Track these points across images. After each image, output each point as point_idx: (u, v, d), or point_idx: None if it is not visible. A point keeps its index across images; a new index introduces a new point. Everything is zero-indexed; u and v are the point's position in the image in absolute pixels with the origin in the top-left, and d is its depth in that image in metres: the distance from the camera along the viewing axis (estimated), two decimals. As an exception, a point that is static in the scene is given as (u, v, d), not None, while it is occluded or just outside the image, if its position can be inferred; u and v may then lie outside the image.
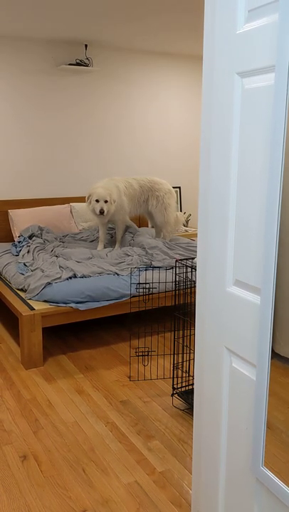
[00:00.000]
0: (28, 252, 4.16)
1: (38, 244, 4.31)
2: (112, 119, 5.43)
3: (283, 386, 1.27)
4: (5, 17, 3.93)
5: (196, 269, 2.04)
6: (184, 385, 2.96)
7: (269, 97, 1.22)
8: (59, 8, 3.67)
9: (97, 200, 4.12)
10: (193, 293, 3.36)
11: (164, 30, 4.42)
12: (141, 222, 5.66)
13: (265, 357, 1.27)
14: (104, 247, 4.43)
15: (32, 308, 3.30)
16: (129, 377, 3.20)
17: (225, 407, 1.54)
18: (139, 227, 5.46)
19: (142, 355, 3.49)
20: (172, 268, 3.86)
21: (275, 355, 1.27)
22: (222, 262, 1.46)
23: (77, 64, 4.97)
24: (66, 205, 5.13)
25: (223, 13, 1.34)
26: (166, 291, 3.69)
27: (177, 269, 3.14)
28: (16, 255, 4.23)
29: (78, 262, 3.86)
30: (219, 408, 1.56)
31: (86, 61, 5.07)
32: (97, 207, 4.12)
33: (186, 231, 5.68)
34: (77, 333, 3.92)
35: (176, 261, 2.83)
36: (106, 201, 4.11)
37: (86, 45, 5.05)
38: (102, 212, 4.10)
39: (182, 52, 5.52)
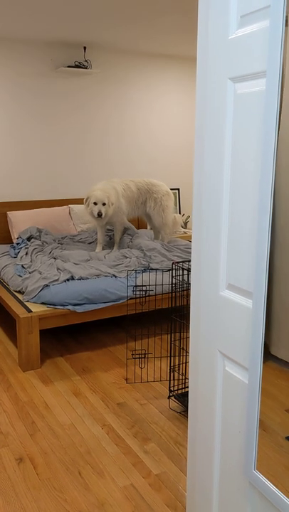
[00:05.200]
0: (26, 254, 4.16)
1: (37, 246, 4.31)
2: (110, 121, 5.44)
3: (280, 388, 1.27)
4: (3, 19, 3.94)
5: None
6: (180, 387, 2.97)
7: (261, 102, 1.22)
8: (58, 10, 3.67)
9: (95, 203, 4.13)
10: (189, 296, 3.36)
11: (163, 33, 4.43)
12: (140, 223, 5.66)
13: (257, 361, 1.28)
14: (103, 249, 4.43)
15: (29, 311, 3.30)
16: (126, 379, 3.20)
17: (219, 411, 1.55)
18: (138, 228, 5.47)
19: (139, 358, 3.49)
20: (169, 270, 3.87)
21: (271, 357, 1.28)
22: (215, 266, 1.47)
23: (76, 66, 4.98)
24: (65, 206, 5.14)
25: (216, 18, 1.34)
26: (163, 294, 3.69)
27: (174, 271, 3.14)
28: (14, 257, 4.23)
29: (76, 264, 3.86)
30: (213, 412, 1.56)
31: (85, 63, 5.08)
32: (95, 209, 4.13)
33: (185, 233, 5.69)
34: (75, 335, 3.92)
35: (173, 263, 2.84)
36: (104, 204, 4.12)
37: (85, 48, 5.05)
38: (100, 215, 4.11)
39: (181, 55, 5.53)
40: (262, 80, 1.21)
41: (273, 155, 1.15)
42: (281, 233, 1.21)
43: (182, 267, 2.78)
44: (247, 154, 1.29)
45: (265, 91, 1.14)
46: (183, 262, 2.81)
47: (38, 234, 4.59)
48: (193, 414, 1.70)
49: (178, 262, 2.81)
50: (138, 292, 3.59)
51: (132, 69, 5.45)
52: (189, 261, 2.89)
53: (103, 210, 4.12)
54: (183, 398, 2.84)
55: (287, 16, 1.09)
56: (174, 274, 2.98)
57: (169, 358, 3.49)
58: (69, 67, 4.92)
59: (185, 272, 2.91)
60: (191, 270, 1.61)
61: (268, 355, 1.28)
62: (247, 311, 1.35)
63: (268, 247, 1.20)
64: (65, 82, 5.09)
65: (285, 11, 1.08)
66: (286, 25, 1.11)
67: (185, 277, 2.94)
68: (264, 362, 1.28)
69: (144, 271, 3.83)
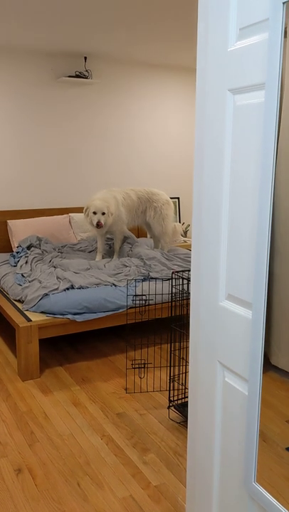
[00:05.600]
0: (26, 262, 4.16)
1: (36, 255, 4.31)
2: (111, 130, 5.46)
3: (280, 399, 1.26)
4: (6, 29, 3.97)
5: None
6: (180, 397, 2.95)
7: (260, 114, 1.23)
8: (59, 21, 3.70)
9: (94, 213, 4.12)
10: (189, 305, 3.35)
11: (163, 43, 4.46)
12: (139, 232, 5.67)
13: (256, 372, 1.27)
14: (103, 258, 4.43)
15: (29, 320, 3.30)
16: (126, 389, 3.19)
17: (218, 422, 1.54)
18: (138, 237, 5.47)
19: (139, 367, 3.48)
20: (169, 279, 3.86)
21: (271, 367, 1.27)
22: (215, 276, 1.47)
23: (77, 76, 5.01)
24: (65, 215, 5.14)
25: (216, 30, 1.35)
26: (162, 303, 3.69)
27: (174, 280, 3.14)
28: (14, 266, 4.23)
29: (76, 272, 3.86)
30: (212, 423, 1.56)
31: (85, 73, 5.11)
32: (95, 219, 4.12)
33: (185, 241, 5.69)
34: (74, 345, 3.91)
35: (173, 272, 2.83)
36: (103, 213, 4.12)
37: (85, 58, 5.09)
38: (99, 225, 4.10)
39: (181, 64, 5.56)
40: (261, 92, 1.22)
41: (272, 165, 1.15)
42: (281, 243, 1.21)
43: (182, 276, 2.78)
44: (246, 165, 1.29)
45: (264, 103, 1.15)
46: (183, 271, 2.81)
47: (38, 243, 4.59)
48: (192, 425, 1.69)
49: (178, 271, 2.81)
50: (138, 301, 3.59)
51: (132, 79, 5.48)
52: (189, 270, 2.89)
53: (102, 219, 4.12)
54: (183, 408, 2.83)
55: (286, 28, 1.10)
56: (173, 284, 2.98)
57: (168, 367, 3.48)
58: (70, 76, 4.95)
59: (185, 281, 2.91)
60: (191, 280, 1.61)
61: (268, 365, 1.28)
62: (246, 321, 1.35)
63: (267, 258, 1.20)
64: (65, 91, 5.11)
65: (283, 24, 1.09)
66: (285, 37, 1.11)
67: (185, 286, 2.94)
68: (264, 372, 1.28)
69: (143, 280, 3.83)
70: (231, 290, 1.41)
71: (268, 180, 1.16)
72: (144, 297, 3.61)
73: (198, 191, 1.51)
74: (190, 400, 1.69)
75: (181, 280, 2.90)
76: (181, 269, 4.09)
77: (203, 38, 1.41)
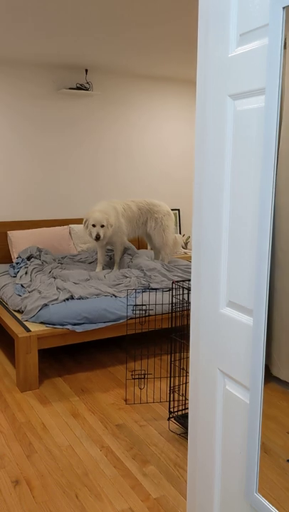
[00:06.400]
0: (26, 273, 4.15)
1: (36, 266, 4.30)
2: (111, 142, 5.48)
3: (282, 410, 1.25)
4: (7, 41, 4.00)
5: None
6: (180, 408, 2.92)
7: (260, 119, 1.23)
8: (60, 33, 3.73)
9: (93, 225, 4.11)
10: (190, 315, 3.34)
11: (163, 56, 4.49)
12: (140, 244, 5.66)
13: (258, 379, 1.25)
14: (103, 269, 4.42)
15: (28, 330, 3.28)
16: (126, 400, 3.16)
17: (219, 431, 1.51)
18: (138, 249, 5.46)
19: (139, 378, 3.45)
20: (169, 290, 3.85)
21: (273, 378, 1.26)
22: (215, 283, 1.46)
23: (78, 88, 5.05)
24: (65, 226, 5.14)
25: (216, 36, 1.36)
26: (163, 314, 3.67)
27: (174, 290, 3.13)
28: (14, 276, 4.22)
29: (76, 283, 3.85)
30: (213, 432, 1.53)
31: (86, 85, 5.14)
32: (94, 232, 4.10)
33: (185, 253, 5.68)
34: (74, 355, 3.88)
35: (173, 282, 2.82)
36: (102, 226, 4.10)
37: (86, 70, 5.13)
38: (97, 237, 4.08)
39: (180, 77, 5.61)
40: (261, 97, 1.22)
41: (273, 172, 1.15)
42: (281, 253, 1.20)
43: (182, 285, 2.77)
44: (247, 170, 1.29)
45: (265, 107, 1.14)
46: (183, 281, 2.80)
47: (37, 253, 4.58)
48: (193, 434, 1.67)
49: (178, 281, 2.80)
50: (138, 312, 3.57)
51: (132, 91, 5.52)
52: (189, 280, 2.88)
53: (101, 232, 4.09)
54: (183, 420, 2.79)
55: (286, 34, 1.11)
56: (174, 293, 2.96)
57: (169, 378, 3.45)
58: (71, 88, 4.98)
59: (185, 291, 2.90)
60: (191, 286, 1.59)
61: (269, 376, 1.26)
62: (247, 328, 1.33)
63: (268, 263, 1.19)
64: (66, 103, 5.14)
65: (283, 29, 1.09)
66: (285, 44, 1.12)
67: (185, 296, 2.92)
68: (265, 384, 1.26)
69: (144, 291, 3.81)
70: (232, 297, 1.40)
71: (269, 186, 1.16)
72: (144, 307, 3.59)
73: (199, 197, 1.50)
74: (190, 409, 1.67)
75: (181, 290, 2.89)
76: (180, 279, 4.07)
77: (204, 44, 1.42)
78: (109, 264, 4.58)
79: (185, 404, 2.94)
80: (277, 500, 1.26)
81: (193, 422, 1.65)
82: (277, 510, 1.24)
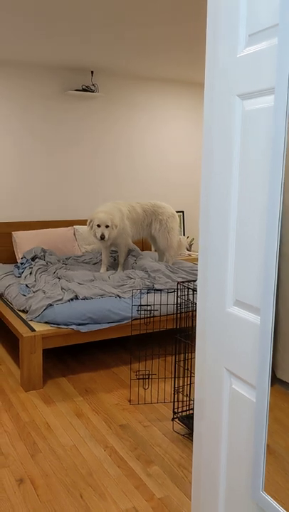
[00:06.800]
0: (31, 273, 4.16)
1: (41, 266, 4.31)
2: (116, 143, 5.50)
3: (285, 412, 1.25)
4: (14, 44, 4.02)
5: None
6: (184, 409, 2.92)
7: (269, 118, 1.23)
8: (66, 37, 3.75)
9: (98, 225, 4.12)
10: (195, 316, 3.34)
11: (168, 59, 4.51)
12: (144, 246, 5.67)
13: (265, 378, 1.26)
14: (107, 270, 4.43)
15: (33, 330, 3.28)
16: (130, 400, 3.16)
17: (225, 429, 1.52)
18: (142, 250, 5.47)
19: (143, 379, 3.45)
20: (174, 291, 3.85)
21: (277, 380, 1.26)
22: (222, 282, 1.46)
23: (84, 90, 5.07)
24: (70, 227, 5.15)
25: (225, 37, 1.37)
26: (167, 314, 3.67)
27: (179, 291, 3.13)
28: (18, 277, 4.23)
29: (80, 283, 3.86)
30: (219, 430, 1.54)
31: (92, 87, 5.16)
32: (98, 232, 4.12)
33: (189, 255, 5.68)
34: (78, 356, 3.89)
35: (178, 283, 2.83)
36: (107, 226, 4.12)
37: (92, 72, 5.14)
38: (102, 237, 4.10)
39: (185, 79, 5.62)
40: (270, 97, 1.23)
41: (282, 172, 1.15)
42: (286, 250, 1.20)
43: (187, 286, 2.77)
44: (255, 170, 1.30)
45: (274, 107, 1.15)
46: (188, 281, 2.80)
47: (42, 254, 4.59)
48: (198, 433, 1.67)
49: (183, 282, 2.80)
50: (142, 312, 3.57)
51: (137, 93, 5.53)
52: (194, 281, 2.88)
53: (106, 232, 4.11)
54: (187, 420, 2.79)
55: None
56: (179, 294, 2.97)
57: (173, 379, 3.45)
58: (76, 90, 5.00)
59: (190, 292, 2.90)
60: (198, 285, 1.60)
61: (274, 378, 1.26)
62: (254, 327, 1.34)
63: (276, 262, 1.19)
64: (72, 105, 5.16)
65: (293, 29, 1.10)
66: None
67: (190, 297, 2.93)
68: (270, 386, 1.26)
69: (148, 291, 3.82)
70: (239, 296, 1.40)
71: (278, 186, 1.16)
72: (148, 307, 3.59)
73: (206, 196, 1.51)
74: (196, 408, 1.67)
75: (186, 291, 2.89)
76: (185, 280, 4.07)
77: (212, 44, 1.42)
78: (114, 266, 4.59)
79: (189, 404, 2.94)
80: (283, 503, 1.26)
81: (199, 420, 1.65)
82: (285, 509, 1.24)
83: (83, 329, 3.37)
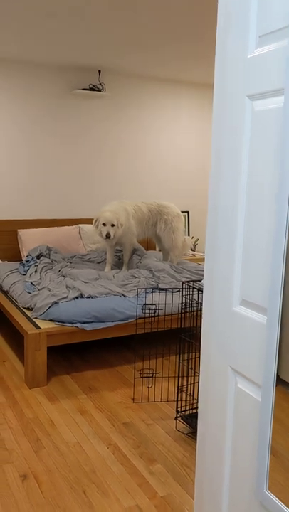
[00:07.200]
0: (36, 271, 4.18)
1: (46, 264, 4.33)
2: (122, 143, 5.51)
3: (287, 412, 1.25)
4: (22, 43, 4.04)
5: (202, 291, 2.04)
6: (187, 408, 2.93)
7: (279, 119, 1.24)
8: (74, 37, 3.77)
9: (104, 224, 4.14)
10: (199, 316, 3.35)
11: (176, 59, 4.52)
12: (148, 245, 5.68)
13: (270, 377, 1.27)
14: (112, 269, 4.44)
15: (38, 327, 3.30)
16: (133, 399, 3.17)
17: (229, 428, 1.53)
18: (147, 250, 5.48)
19: (147, 377, 3.46)
20: (179, 290, 3.86)
21: (280, 381, 1.26)
22: (229, 281, 1.47)
23: (91, 89, 5.08)
24: (75, 226, 5.17)
25: (235, 38, 1.37)
26: (172, 314, 3.68)
27: (184, 290, 3.14)
28: (24, 274, 4.25)
29: (85, 282, 3.87)
30: (223, 429, 1.54)
31: (99, 86, 5.18)
32: (104, 231, 4.14)
33: (194, 255, 5.69)
34: (82, 354, 3.90)
35: (183, 283, 2.83)
36: (113, 225, 4.13)
37: (99, 71, 5.16)
38: (108, 236, 4.12)
39: (193, 81, 5.63)
40: (280, 98, 1.23)
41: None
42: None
43: (192, 285, 2.78)
44: (264, 171, 1.30)
45: (283, 108, 1.16)
46: (193, 281, 2.81)
47: (47, 252, 4.61)
48: (202, 431, 1.68)
49: (188, 282, 2.81)
50: (147, 311, 3.59)
51: (144, 93, 5.54)
52: (199, 280, 2.89)
53: (112, 231, 4.13)
54: (190, 419, 2.80)
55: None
56: (183, 294, 2.98)
57: (177, 378, 3.46)
58: (83, 89, 5.02)
59: (195, 291, 2.91)
60: (204, 284, 1.61)
61: (277, 380, 1.27)
62: (260, 326, 1.34)
63: (283, 262, 1.20)
64: (79, 104, 5.18)
65: (304, 31, 1.11)
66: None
67: (195, 297, 2.94)
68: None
69: (153, 291, 3.83)
70: (246, 295, 1.41)
71: (287, 185, 1.17)
72: (153, 307, 3.61)
73: (214, 196, 1.52)
74: (200, 406, 1.68)
75: (191, 290, 2.90)
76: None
77: (222, 45, 1.43)
78: (118, 265, 4.60)
79: (192, 404, 2.95)
80: (286, 502, 1.26)
81: (203, 419, 1.66)
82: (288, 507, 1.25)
83: (88, 327, 3.38)
